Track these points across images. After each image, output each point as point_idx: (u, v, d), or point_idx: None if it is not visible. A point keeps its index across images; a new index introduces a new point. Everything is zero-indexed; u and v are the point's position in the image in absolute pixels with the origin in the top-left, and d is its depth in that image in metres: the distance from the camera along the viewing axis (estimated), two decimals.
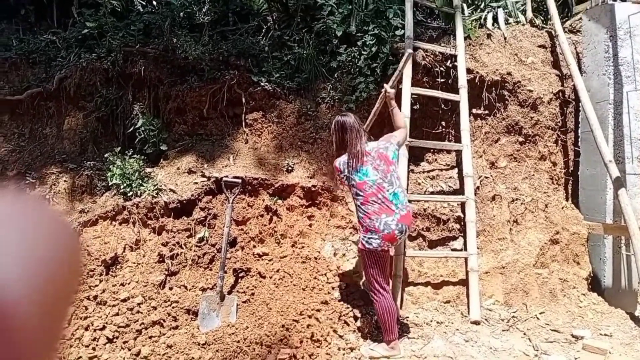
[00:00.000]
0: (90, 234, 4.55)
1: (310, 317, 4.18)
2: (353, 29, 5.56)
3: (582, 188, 5.73)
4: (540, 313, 4.78)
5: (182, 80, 5.54)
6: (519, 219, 5.28)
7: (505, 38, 5.95)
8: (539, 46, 6.04)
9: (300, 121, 5.53)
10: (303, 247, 4.87)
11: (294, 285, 4.46)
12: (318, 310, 4.27)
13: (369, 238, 3.75)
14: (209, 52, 5.51)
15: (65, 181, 5.01)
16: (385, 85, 4.36)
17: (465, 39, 5.64)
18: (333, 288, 4.52)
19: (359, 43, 5.48)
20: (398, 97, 5.18)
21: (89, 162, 5.13)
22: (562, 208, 5.46)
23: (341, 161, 3.91)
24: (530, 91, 5.66)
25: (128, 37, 5.62)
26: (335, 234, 5.01)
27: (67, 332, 3.86)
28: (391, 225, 3.70)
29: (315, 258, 4.71)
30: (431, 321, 4.49)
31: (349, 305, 4.38)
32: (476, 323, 4.53)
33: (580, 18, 6.11)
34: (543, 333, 4.49)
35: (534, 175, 5.60)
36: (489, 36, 5.92)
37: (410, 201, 4.41)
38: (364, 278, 4.53)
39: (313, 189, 5.12)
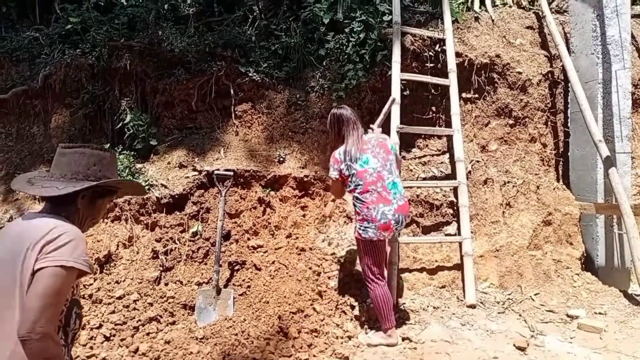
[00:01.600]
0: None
1: (307, 307, 4.19)
2: (340, 16, 5.51)
3: (572, 168, 5.76)
4: (535, 294, 4.83)
5: (169, 74, 5.47)
6: (511, 201, 5.30)
7: (493, 20, 5.93)
8: (527, 27, 6.04)
9: (290, 111, 5.49)
10: (297, 237, 4.87)
11: (290, 276, 4.47)
12: (315, 301, 4.28)
13: (365, 227, 3.75)
14: (195, 44, 5.44)
15: None
16: (372, 125, 4.42)
17: (453, 22, 5.61)
18: (329, 277, 4.53)
19: (347, 30, 5.44)
20: (388, 86, 5.18)
21: None
22: (554, 189, 5.49)
23: (340, 151, 3.88)
24: (519, 73, 5.66)
25: (112, 32, 5.53)
26: (329, 223, 5.00)
27: None
28: (388, 215, 3.71)
29: (310, 248, 4.71)
30: (427, 306, 4.52)
31: (345, 294, 4.39)
32: (472, 307, 4.56)
33: None
34: (538, 314, 4.53)
35: (524, 157, 5.62)
36: (476, 19, 5.90)
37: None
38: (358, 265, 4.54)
39: (305, 179, 5.10)
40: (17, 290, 1.67)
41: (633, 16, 5.91)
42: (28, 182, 1.95)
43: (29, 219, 1.84)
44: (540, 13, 6.04)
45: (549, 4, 6.10)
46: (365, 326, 4.17)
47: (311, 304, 4.23)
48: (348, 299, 4.35)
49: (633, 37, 5.98)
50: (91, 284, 4.23)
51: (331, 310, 4.23)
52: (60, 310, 1.73)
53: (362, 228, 3.78)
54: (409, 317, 4.33)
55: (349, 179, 3.84)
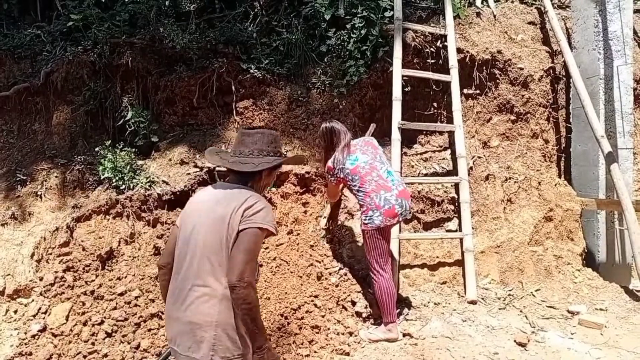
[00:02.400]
0: (84, 229, 4.52)
1: (308, 303, 4.20)
2: (341, 12, 5.50)
3: (574, 164, 5.75)
4: (536, 290, 4.83)
5: (170, 70, 5.47)
6: (513, 197, 5.30)
7: (494, 16, 5.91)
8: (529, 23, 6.02)
9: (291, 107, 5.49)
10: (299, 234, 4.87)
11: (291, 272, 4.47)
12: (316, 297, 4.28)
13: (370, 217, 3.83)
14: (196, 41, 5.44)
15: (56, 177, 4.97)
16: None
17: (454, 18, 5.60)
18: (330, 274, 4.53)
19: (348, 26, 5.43)
20: (389, 82, 5.17)
21: (79, 157, 5.09)
22: (555, 185, 5.48)
23: (332, 159, 4.05)
24: (521, 69, 5.64)
25: (114, 28, 5.53)
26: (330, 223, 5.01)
27: (66, 329, 3.86)
28: (391, 200, 3.81)
29: (311, 245, 4.71)
30: (428, 302, 4.53)
31: (346, 290, 4.39)
32: (473, 303, 4.57)
33: None
34: (539, 310, 4.54)
35: (526, 153, 5.62)
36: (478, 15, 5.88)
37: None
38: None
39: (307, 175, 5.11)
40: (224, 244, 2.11)
41: (635, 11, 5.88)
42: (221, 159, 2.41)
43: (225, 188, 2.28)
44: (542, 8, 6.02)
45: None
46: (367, 322, 4.18)
47: (312, 300, 4.23)
48: (349, 295, 4.36)
49: (635, 32, 5.96)
50: (93, 280, 4.24)
51: (332, 306, 4.23)
52: (256, 264, 2.17)
53: (367, 218, 3.85)
54: (409, 313, 4.34)
55: (348, 180, 3.98)
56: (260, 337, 2.12)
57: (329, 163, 4.07)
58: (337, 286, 4.42)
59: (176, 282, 2.19)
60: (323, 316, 4.10)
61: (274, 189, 5.05)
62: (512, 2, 6.18)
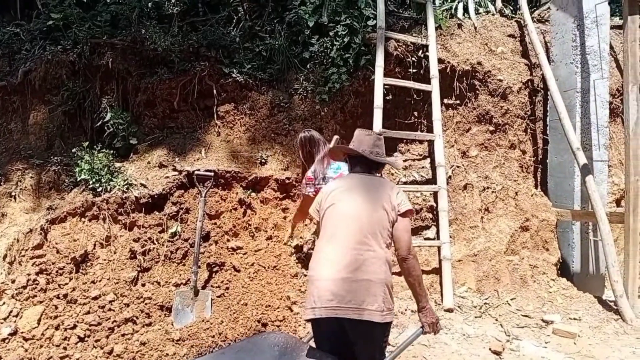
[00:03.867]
0: (58, 231, 4.44)
1: (285, 309, 4.18)
2: (325, 19, 5.53)
3: (550, 175, 5.84)
4: (512, 299, 4.88)
5: (151, 72, 5.43)
6: (490, 207, 5.36)
7: (475, 28, 6.00)
8: (509, 36, 6.12)
9: (273, 113, 5.48)
10: (278, 239, 4.86)
11: (269, 278, 4.46)
12: (294, 303, 4.27)
13: None
14: (178, 44, 5.42)
15: (31, 177, 4.88)
16: None
17: (436, 29, 5.67)
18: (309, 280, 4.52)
19: (331, 33, 5.46)
20: (371, 90, 5.19)
21: (55, 158, 5.01)
22: (532, 195, 5.57)
23: (311, 170, 4.05)
24: (500, 80, 5.73)
25: (95, 29, 5.47)
26: (311, 226, 5.00)
27: (37, 332, 3.78)
28: None
29: (291, 252, 4.70)
30: (405, 310, 4.54)
31: None
32: (449, 310, 4.59)
33: (549, 7, 6.21)
34: (514, 319, 4.58)
35: (504, 163, 5.69)
36: (459, 26, 5.96)
37: None
38: None
39: (287, 181, 5.10)
40: (386, 219, 2.56)
41: (612, 27, 6.02)
42: (357, 151, 2.78)
43: (366, 176, 2.77)
44: (522, 22, 6.13)
45: (531, 13, 6.19)
46: None
47: (289, 306, 4.22)
48: None
49: (612, 47, 6.10)
50: (66, 284, 4.16)
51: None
52: None
53: None
54: None
55: None
56: (423, 298, 2.62)
57: (308, 174, 4.06)
58: None
59: (338, 249, 2.51)
60: (300, 321, 4.08)
61: (253, 194, 5.02)
62: (493, 14, 6.28)
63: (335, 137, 4.71)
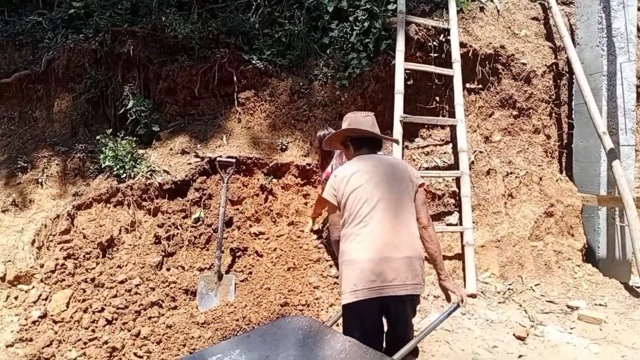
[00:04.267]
0: (84, 217, 4.52)
1: (308, 293, 4.20)
2: (344, 4, 5.48)
3: (576, 160, 5.75)
4: (536, 285, 4.84)
5: (172, 60, 5.45)
6: (514, 192, 5.30)
7: (498, 11, 5.89)
8: (532, 18, 6.00)
9: (293, 99, 5.47)
10: (299, 225, 4.88)
11: (292, 263, 4.48)
12: (316, 287, 4.29)
13: None
14: (198, 31, 5.42)
15: (57, 164, 4.96)
16: None
17: (458, 12, 5.58)
18: (330, 265, 4.54)
19: (351, 18, 5.41)
20: (391, 75, 5.15)
21: (80, 145, 5.07)
22: (557, 181, 5.48)
23: (330, 166, 4.09)
24: (524, 64, 5.63)
25: (115, 17, 5.50)
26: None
27: (66, 315, 3.86)
28: None
29: (312, 237, 4.72)
30: (428, 295, 4.53)
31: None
32: (473, 296, 4.57)
33: None
34: (539, 304, 4.55)
35: (528, 148, 5.61)
36: (481, 9, 5.86)
37: None
38: None
39: (308, 167, 5.10)
40: (412, 196, 2.72)
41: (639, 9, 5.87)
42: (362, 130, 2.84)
43: (377, 155, 2.87)
44: (546, 4, 5.99)
45: None
46: None
47: (312, 291, 4.24)
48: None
49: (639, 29, 5.95)
50: (93, 268, 4.24)
51: (332, 296, 4.24)
52: None
53: None
54: None
55: None
56: (444, 266, 2.79)
57: (328, 169, 4.08)
58: (336, 277, 4.43)
59: (374, 230, 2.57)
60: (323, 305, 4.11)
61: (274, 180, 5.04)
62: None
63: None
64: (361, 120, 2.86)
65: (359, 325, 2.59)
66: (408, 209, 2.67)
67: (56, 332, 3.74)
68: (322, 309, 4.11)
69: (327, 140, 3.03)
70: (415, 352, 3.36)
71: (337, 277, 4.42)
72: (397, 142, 4.40)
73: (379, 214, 2.59)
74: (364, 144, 2.86)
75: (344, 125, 2.90)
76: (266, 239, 4.68)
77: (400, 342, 2.50)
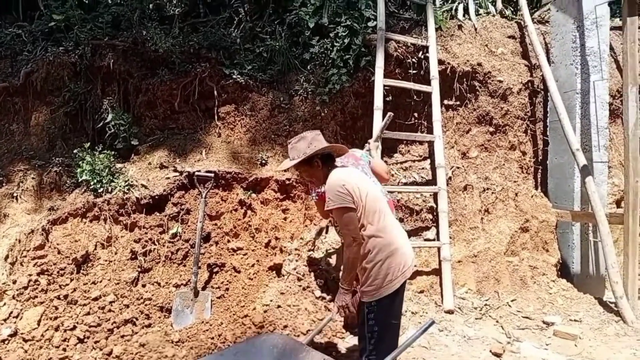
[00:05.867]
0: (60, 232, 4.45)
1: (286, 309, 4.18)
2: (325, 20, 5.54)
3: (550, 176, 5.85)
4: (512, 300, 4.88)
5: (152, 74, 5.44)
6: (490, 208, 5.36)
7: (475, 29, 6.01)
8: (509, 37, 6.13)
9: (273, 114, 5.49)
10: (278, 240, 4.87)
11: (269, 279, 4.46)
12: (294, 303, 4.28)
13: None
14: (179, 45, 5.43)
15: (33, 178, 4.89)
16: (369, 141, 4.46)
17: (436, 30, 5.68)
18: (308, 280, 4.53)
19: (332, 35, 5.47)
20: (371, 91, 5.21)
21: (57, 159, 5.01)
22: (532, 196, 5.57)
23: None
24: (500, 81, 5.74)
25: (96, 30, 5.48)
26: (311, 227, 5.01)
27: (37, 333, 3.79)
28: None
29: (290, 252, 4.71)
30: (405, 311, 4.54)
31: (325, 297, 4.39)
32: (450, 312, 4.60)
33: (549, 9, 6.20)
34: (515, 320, 4.59)
35: (504, 164, 5.70)
36: (460, 27, 5.97)
37: None
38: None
39: (287, 182, 5.11)
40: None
41: (612, 28, 6.03)
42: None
43: (351, 167, 3.25)
44: (522, 23, 6.13)
45: (531, 14, 6.20)
46: (346, 332, 4.18)
47: (290, 308, 4.22)
48: (328, 303, 4.36)
49: (612, 48, 6.11)
50: (67, 284, 4.17)
51: (311, 312, 4.23)
52: None
53: None
54: None
55: None
56: None
57: (321, 189, 4.04)
58: (316, 291, 4.43)
59: (392, 229, 2.86)
60: (300, 322, 4.09)
61: (254, 195, 5.03)
62: (493, 15, 6.28)
63: (390, 114, 4.66)
64: (315, 138, 2.94)
65: (397, 310, 2.88)
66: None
67: (26, 351, 3.67)
68: (299, 326, 4.09)
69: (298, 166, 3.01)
70: None
71: (315, 291, 4.42)
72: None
73: (386, 217, 2.86)
74: (329, 157, 2.98)
75: (299, 151, 2.90)
76: (244, 255, 4.66)
77: None
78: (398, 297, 2.82)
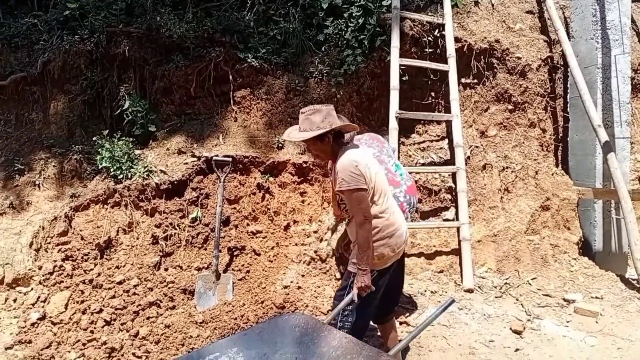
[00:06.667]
0: (82, 218, 4.53)
1: (306, 291, 4.22)
2: (339, 0, 5.47)
3: (571, 154, 5.76)
4: (532, 279, 4.86)
5: (167, 60, 5.45)
6: (510, 187, 5.32)
7: (492, 5, 5.89)
8: (527, 12, 6.00)
9: (289, 97, 5.48)
10: (297, 223, 4.89)
11: (290, 261, 4.50)
12: (314, 285, 4.31)
13: None
14: (193, 30, 5.41)
15: (54, 166, 4.97)
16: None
17: (452, 7, 5.58)
18: (326, 262, 4.55)
19: (346, 15, 5.40)
20: (386, 72, 5.16)
21: (77, 146, 5.08)
22: (552, 174, 5.50)
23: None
24: (519, 58, 5.64)
25: (110, 17, 5.49)
26: (329, 209, 5.02)
27: (65, 317, 3.89)
28: (399, 198, 3.67)
29: (309, 235, 4.73)
30: (425, 291, 4.56)
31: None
32: (469, 291, 4.60)
33: None
34: (535, 298, 4.57)
35: (523, 142, 5.63)
36: (476, 3, 5.86)
37: None
38: None
39: (304, 165, 5.11)
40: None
41: (633, 0, 5.87)
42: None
43: (363, 147, 3.24)
44: None
45: None
46: None
47: (310, 289, 4.26)
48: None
49: (633, 21, 5.95)
50: (92, 269, 4.26)
51: (330, 295, 4.26)
52: None
53: None
54: (406, 302, 4.37)
55: None
56: None
57: None
58: (334, 274, 4.46)
59: (394, 210, 3.00)
60: (321, 302, 4.13)
61: (271, 179, 5.05)
62: None
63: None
64: (326, 115, 2.87)
65: (381, 286, 2.93)
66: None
67: (55, 334, 3.77)
68: (318, 306, 4.13)
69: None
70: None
71: (333, 274, 4.45)
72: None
73: (388, 190, 3.00)
74: (339, 134, 2.98)
75: (312, 124, 2.82)
76: (264, 238, 4.70)
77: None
78: (387, 275, 2.96)
